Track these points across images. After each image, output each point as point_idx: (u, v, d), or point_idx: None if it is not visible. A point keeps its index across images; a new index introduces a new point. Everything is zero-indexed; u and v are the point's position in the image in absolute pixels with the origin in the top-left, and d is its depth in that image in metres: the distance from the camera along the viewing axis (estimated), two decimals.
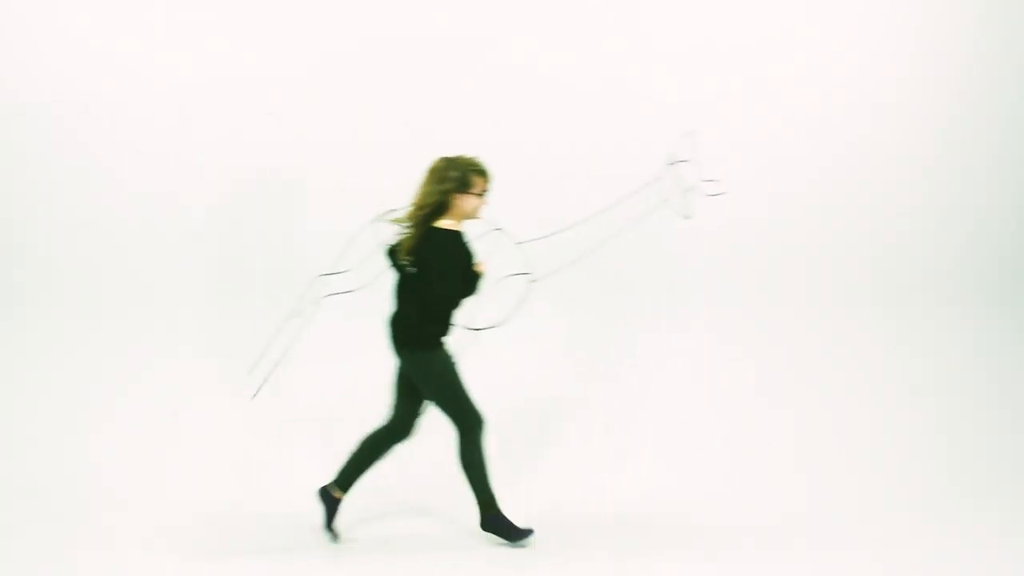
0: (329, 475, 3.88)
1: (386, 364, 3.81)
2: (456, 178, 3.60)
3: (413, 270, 3.61)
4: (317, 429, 4.59)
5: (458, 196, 3.61)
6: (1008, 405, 5.08)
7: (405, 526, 3.98)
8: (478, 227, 3.76)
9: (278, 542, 3.77)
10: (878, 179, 5.17)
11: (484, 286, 3.72)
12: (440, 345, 3.68)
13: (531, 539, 3.71)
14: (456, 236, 3.64)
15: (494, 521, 3.71)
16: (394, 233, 3.69)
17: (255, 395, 3.84)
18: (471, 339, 3.80)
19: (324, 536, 3.78)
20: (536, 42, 4.94)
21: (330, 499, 3.77)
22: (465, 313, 3.72)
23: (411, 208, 3.64)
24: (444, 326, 3.67)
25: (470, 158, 3.67)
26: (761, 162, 5.03)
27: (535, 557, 3.64)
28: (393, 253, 3.70)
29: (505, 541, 3.72)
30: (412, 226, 3.63)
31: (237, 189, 4.85)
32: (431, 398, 3.71)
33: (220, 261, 4.87)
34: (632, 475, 4.46)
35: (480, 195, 3.65)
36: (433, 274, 3.57)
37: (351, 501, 3.85)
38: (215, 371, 4.71)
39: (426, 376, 3.68)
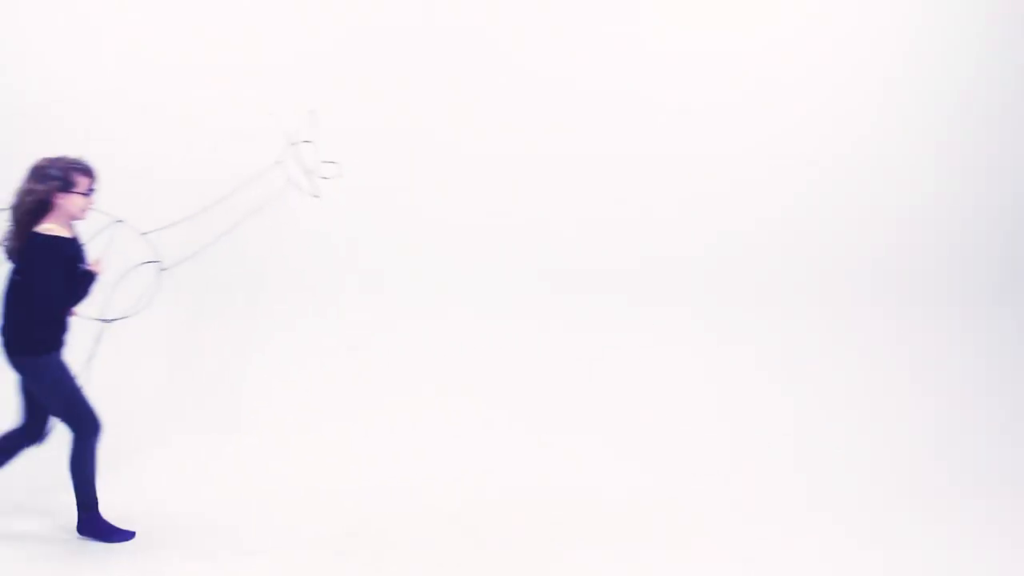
0: None
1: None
2: (58, 177, 3.49)
3: (18, 276, 3.50)
4: None
5: (61, 196, 3.49)
6: (1008, 405, 5.08)
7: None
8: (97, 222, 3.67)
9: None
10: (877, 180, 5.18)
11: (97, 287, 3.62)
12: (51, 350, 3.58)
13: (131, 541, 3.67)
14: (58, 239, 3.46)
15: (92, 524, 3.68)
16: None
17: None
18: (102, 331, 3.76)
19: None
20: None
21: None
22: (87, 311, 3.64)
23: (12, 209, 3.51)
24: (54, 330, 3.58)
25: (73, 157, 3.55)
26: (773, 161, 5.03)
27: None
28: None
29: (104, 543, 3.68)
30: (14, 228, 3.51)
31: None
32: (46, 403, 3.65)
33: None
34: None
35: (85, 195, 3.53)
36: (36, 279, 3.46)
37: None
38: None
39: (37, 381, 3.60)
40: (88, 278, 3.57)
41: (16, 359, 3.55)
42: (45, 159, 3.52)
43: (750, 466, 4.56)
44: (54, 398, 3.60)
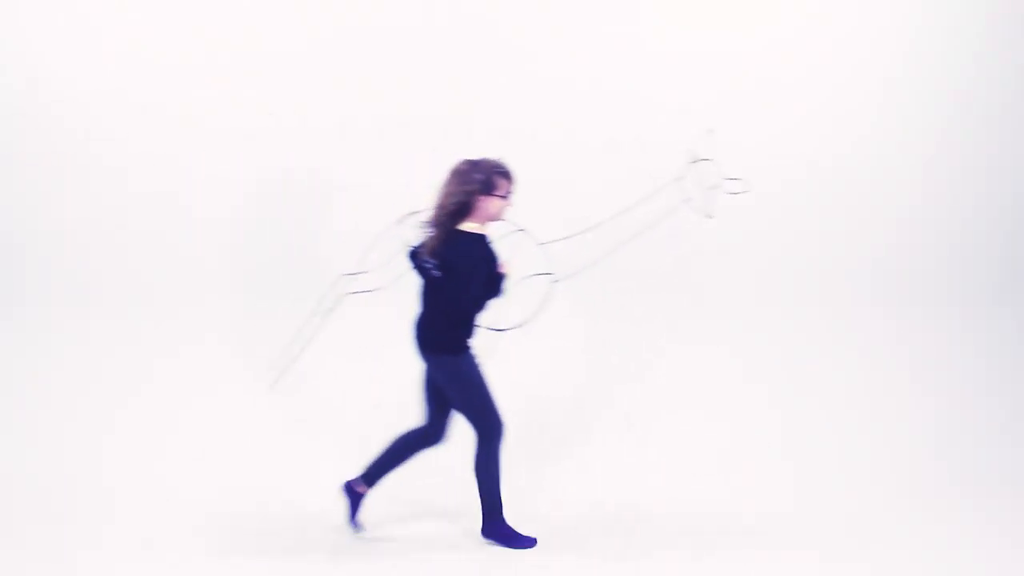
0: (348, 471, 3.90)
1: (407, 364, 3.83)
2: (480, 180, 3.58)
3: (437, 273, 3.58)
4: (335, 426, 4.63)
5: (482, 198, 3.58)
6: (1008, 405, 5.08)
7: (412, 527, 3.96)
8: (501, 228, 3.74)
9: (281, 542, 3.76)
10: (877, 180, 5.18)
11: (508, 288, 3.69)
12: (465, 349, 3.65)
13: (533, 549, 3.70)
14: (480, 239, 3.60)
15: (497, 529, 3.71)
16: (417, 235, 3.68)
17: (272, 387, 3.93)
18: (495, 340, 3.78)
19: (349, 529, 3.80)
20: (558, 44, 4.95)
21: (354, 493, 3.79)
22: (489, 315, 3.69)
23: (434, 210, 3.61)
24: (469, 329, 3.64)
25: (494, 160, 3.64)
26: (774, 161, 5.03)
27: (542, 560, 3.65)
28: (416, 255, 3.68)
29: (507, 547, 3.71)
30: (435, 228, 3.59)
31: (263, 189, 4.86)
32: (454, 402, 3.69)
33: (244, 260, 4.89)
34: (653, 477, 4.45)
35: (504, 197, 3.62)
36: (457, 277, 3.54)
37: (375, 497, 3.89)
38: (233, 369, 4.75)
39: (451, 380, 3.65)
40: (501, 279, 3.64)
41: (434, 357, 3.62)
42: (467, 161, 3.61)
43: (748, 466, 4.56)
44: (464, 397, 3.64)
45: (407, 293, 3.75)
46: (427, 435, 3.78)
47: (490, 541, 3.73)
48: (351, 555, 3.65)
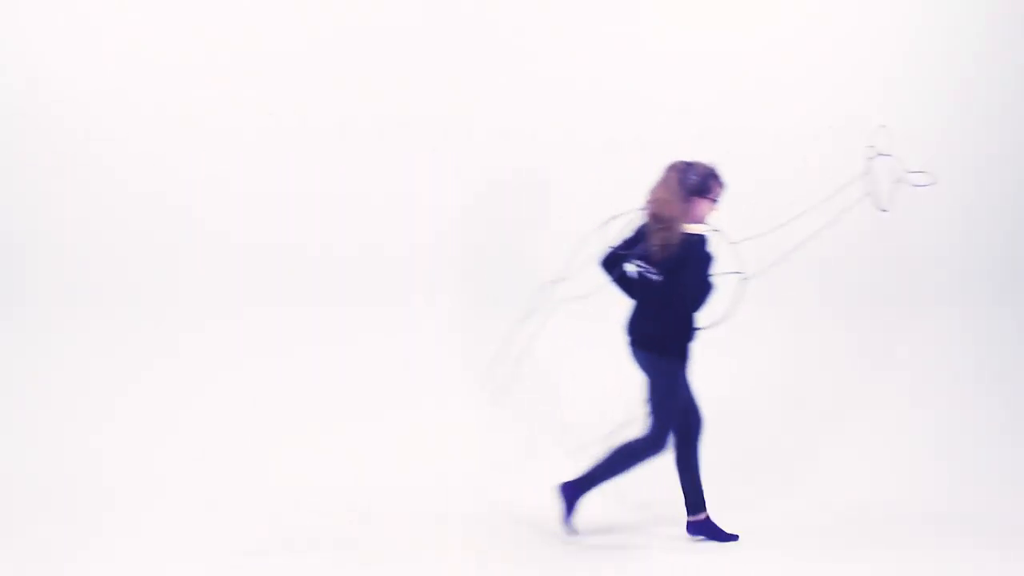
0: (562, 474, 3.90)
1: (615, 366, 3.92)
2: (696, 183, 3.59)
3: (658, 277, 3.59)
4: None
5: (696, 201, 3.60)
6: (1008, 405, 5.07)
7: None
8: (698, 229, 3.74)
9: (307, 541, 3.76)
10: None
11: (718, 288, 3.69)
12: (687, 351, 3.67)
13: (735, 544, 3.75)
14: (702, 240, 3.59)
15: (701, 524, 3.76)
16: (617, 238, 3.73)
17: (492, 392, 4.18)
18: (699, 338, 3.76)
19: (562, 530, 3.80)
20: (558, 44, 4.96)
21: (570, 496, 3.78)
22: (704, 315, 3.69)
23: (649, 213, 3.64)
24: (690, 331, 3.65)
25: (708, 163, 3.66)
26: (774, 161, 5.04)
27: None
28: (621, 258, 3.71)
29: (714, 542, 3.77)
30: (654, 231, 3.61)
31: (263, 188, 4.86)
32: (659, 398, 3.68)
33: (245, 261, 4.89)
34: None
35: (715, 201, 3.65)
36: (686, 280, 3.56)
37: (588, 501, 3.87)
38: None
39: (662, 378, 3.67)
40: (713, 281, 3.64)
41: (653, 358, 3.64)
42: (683, 163, 3.63)
43: (746, 467, 4.56)
44: (672, 394, 3.65)
45: (615, 298, 3.80)
46: (651, 444, 3.75)
47: (695, 537, 3.78)
48: (557, 552, 3.69)
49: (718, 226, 3.70)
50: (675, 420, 3.68)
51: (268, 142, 4.85)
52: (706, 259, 3.58)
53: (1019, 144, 5.27)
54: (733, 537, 3.75)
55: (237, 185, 4.86)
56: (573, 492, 3.76)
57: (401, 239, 4.93)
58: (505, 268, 4.87)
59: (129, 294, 4.85)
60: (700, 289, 3.57)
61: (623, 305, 3.80)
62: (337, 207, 4.88)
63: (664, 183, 3.63)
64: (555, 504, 3.84)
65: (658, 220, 3.60)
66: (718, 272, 3.65)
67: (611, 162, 4.88)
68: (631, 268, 3.74)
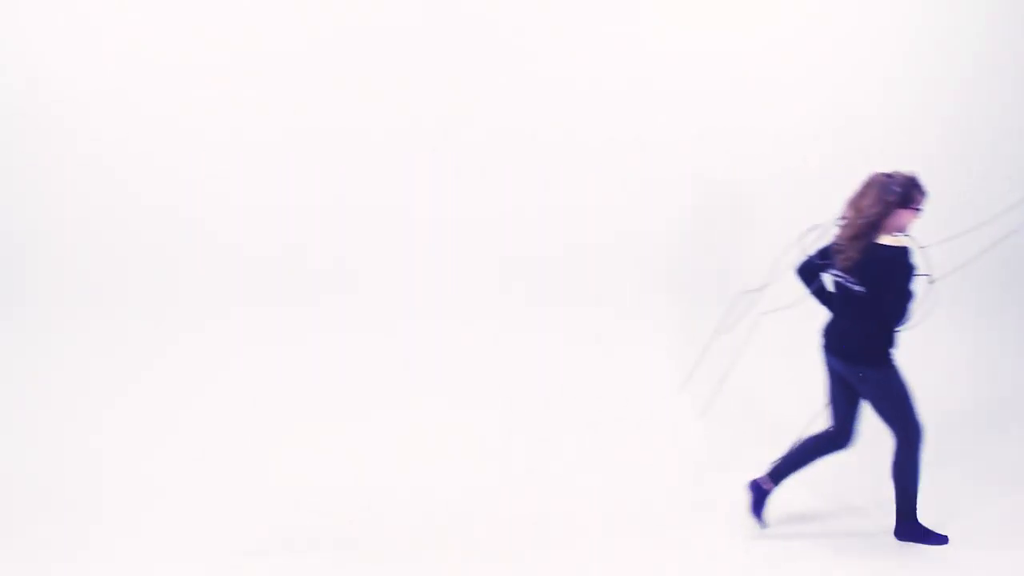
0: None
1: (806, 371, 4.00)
2: (899, 193, 3.60)
3: (860, 288, 3.61)
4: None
5: (898, 211, 3.61)
6: (1008, 405, 5.07)
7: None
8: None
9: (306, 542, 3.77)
10: None
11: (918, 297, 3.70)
12: (890, 360, 3.68)
13: (945, 547, 3.77)
14: (904, 251, 3.58)
15: (910, 528, 3.79)
16: (814, 248, 3.76)
17: (701, 409, 4.33)
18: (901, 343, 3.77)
19: (751, 522, 3.91)
20: (558, 44, 4.96)
21: (759, 490, 3.89)
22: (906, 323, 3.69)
23: (850, 223, 3.64)
24: (892, 340, 3.66)
25: (910, 173, 3.66)
26: (773, 161, 5.02)
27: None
28: (820, 268, 3.75)
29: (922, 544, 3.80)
30: (855, 241, 3.62)
31: (262, 189, 4.87)
32: (878, 410, 3.73)
33: (244, 261, 4.90)
34: None
35: (917, 211, 3.65)
36: (888, 290, 3.56)
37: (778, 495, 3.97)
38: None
39: (875, 390, 3.70)
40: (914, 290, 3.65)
41: (858, 368, 3.67)
42: (884, 174, 3.63)
43: (744, 467, 4.55)
44: (888, 406, 3.68)
45: (813, 308, 3.85)
46: (835, 439, 3.85)
47: (904, 541, 3.80)
48: (557, 552, 3.73)
49: (914, 235, 3.69)
50: (908, 419, 3.69)
51: (268, 142, 4.85)
52: (910, 270, 3.59)
53: (1019, 144, 5.27)
54: (943, 539, 3.79)
55: (237, 185, 4.86)
56: (762, 487, 3.90)
57: (401, 240, 4.94)
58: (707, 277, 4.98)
59: (129, 294, 4.86)
60: (903, 299, 3.59)
61: (820, 315, 3.84)
62: (337, 207, 4.88)
63: (863, 195, 3.65)
64: (746, 499, 3.97)
65: (856, 232, 3.62)
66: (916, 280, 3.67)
67: (622, 163, 4.89)
68: (829, 279, 3.77)
